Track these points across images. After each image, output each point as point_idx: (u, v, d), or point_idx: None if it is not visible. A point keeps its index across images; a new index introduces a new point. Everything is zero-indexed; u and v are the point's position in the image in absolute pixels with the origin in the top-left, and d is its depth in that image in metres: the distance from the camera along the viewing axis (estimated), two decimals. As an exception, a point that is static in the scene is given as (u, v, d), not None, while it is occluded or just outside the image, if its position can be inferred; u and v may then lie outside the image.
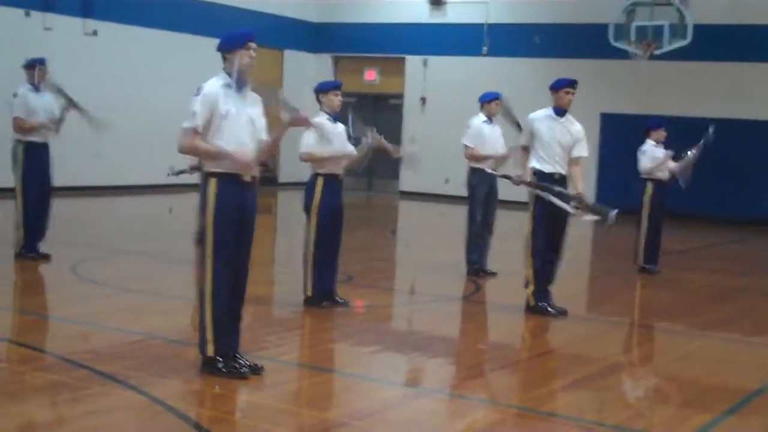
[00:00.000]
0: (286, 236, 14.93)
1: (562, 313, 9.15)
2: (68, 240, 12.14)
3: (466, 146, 11.13)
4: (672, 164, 12.17)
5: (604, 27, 19.69)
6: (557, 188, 8.94)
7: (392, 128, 23.45)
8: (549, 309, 9.14)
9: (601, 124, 20.94)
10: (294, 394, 6.46)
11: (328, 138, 8.57)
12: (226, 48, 6.43)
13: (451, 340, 8.47)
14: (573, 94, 9.16)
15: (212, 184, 6.35)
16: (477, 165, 11.17)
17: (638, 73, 20.50)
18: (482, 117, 11.25)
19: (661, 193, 12.26)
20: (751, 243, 18.01)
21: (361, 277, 10.87)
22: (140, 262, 11.43)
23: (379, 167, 23.07)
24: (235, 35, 6.45)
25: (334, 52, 25.09)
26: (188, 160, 11.86)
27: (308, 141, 8.59)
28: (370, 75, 24.59)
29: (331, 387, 6.74)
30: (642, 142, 12.28)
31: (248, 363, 6.46)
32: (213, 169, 6.36)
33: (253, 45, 6.41)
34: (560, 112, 9.16)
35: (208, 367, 6.40)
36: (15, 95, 10.61)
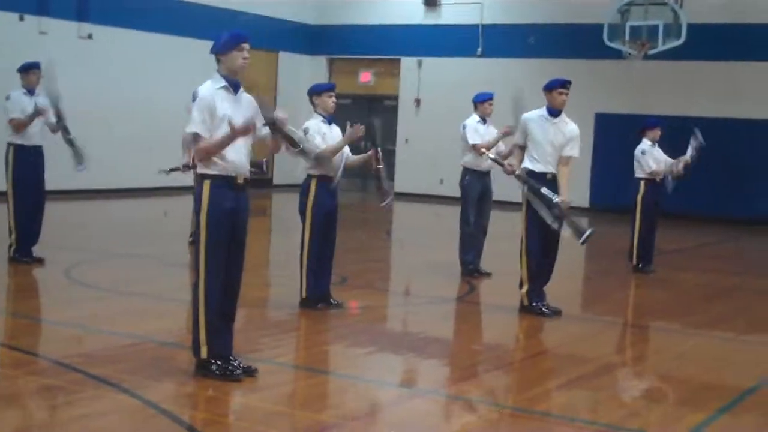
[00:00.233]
0: (280, 238, 14.91)
1: (557, 313, 9.16)
2: (62, 243, 12.13)
3: (474, 146, 11.05)
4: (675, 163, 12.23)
5: (598, 27, 19.71)
6: (545, 189, 8.92)
7: (387, 130, 23.51)
8: (543, 309, 9.14)
9: (596, 124, 20.97)
10: (288, 396, 6.45)
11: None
12: (219, 50, 6.43)
13: (446, 341, 8.46)
14: (566, 94, 9.16)
15: (206, 187, 6.34)
16: (471, 166, 11.17)
17: (632, 73, 20.54)
18: (476, 117, 11.24)
19: (655, 192, 12.28)
20: (745, 242, 18.03)
21: (356, 278, 10.87)
22: (134, 265, 11.42)
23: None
24: (228, 37, 6.44)
25: (328, 54, 25.09)
26: (183, 159, 11.92)
27: (317, 141, 8.59)
28: (365, 77, 24.60)
29: (325, 388, 6.73)
30: (637, 141, 12.28)
31: (242, 365, 6.45)
32: (206, 171, 6.35)
33: (246, 46, 6.40)
34: (554, 112, 9.16)
35: (201, 369, 6.39)
36: (7, 98, 10.58)
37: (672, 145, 12.51)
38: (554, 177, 9.10)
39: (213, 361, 6.38)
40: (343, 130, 8.72)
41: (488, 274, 11.26)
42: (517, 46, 22.39)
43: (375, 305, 9.97)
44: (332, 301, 8.97)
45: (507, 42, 22.58)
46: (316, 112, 8.80)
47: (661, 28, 19.19)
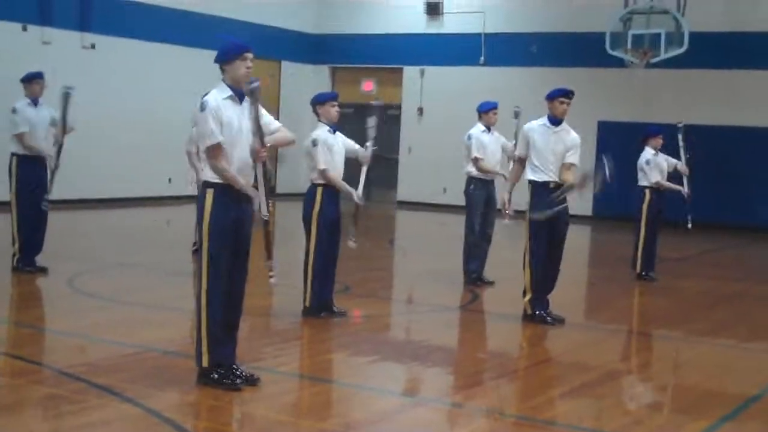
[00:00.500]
0: (283, 247, 14.90)
1: (560, 321, 9.15)
2: (65, 253, 12.13)
3: (476, 159, 11.07)
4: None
5: (600, 35, 19.71)
6: (547, 208, 8.96)
7: (390, 138, 23.53)
8: (547, 317, 9.14)
9: (598, 132, 20.95)
10: (292, 405, 6.45)
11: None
12: (223, 59, 6.44)
13: (449, 350, 8.46)
14: (568, 103, 9.17)
15: (209, 195, 6.34)
16: (479, 175, 11.17)
17: (635, 81, 20.54)
18: (481, 127, 11.24)
19: (659, 201, 12.28)
20: (746, 249, 18.01)
21: (359, 287, 10.87)
22: (136, 275, 11.43)
23: (377, 177, 23.11)
24: (232, 46, 6.45)
25: (331, 63, 25.12)
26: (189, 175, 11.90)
27: (325, 157, 8.62)
28: (368, 86, 24.61)
29: (328, 397, 6.73)
30: (640, 150, 12.29)
31: (244, 374, 6.45)
32: (210, 179, 6.36)
33: (249, 55, 6.41)
34: (555, 121, 9.16)
35: (203, 378, 6.39)
36: (14, 110, 10.58)
37: (674, 154, 12.54)
38: (557, 185, 9.10)
39: (215, 369, 6.38)
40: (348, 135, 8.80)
41: (491, 283, 11.25)
42: (520, 54, 22.41)
43: (378, 314, 9.97)
44: (335, 309, 8.98)
45: (509, 51, 22.60)
46: (319, 121, 8.82)
47: (663, 37, 19.19)
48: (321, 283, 8.82)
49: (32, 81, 10.72)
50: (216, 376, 6.36)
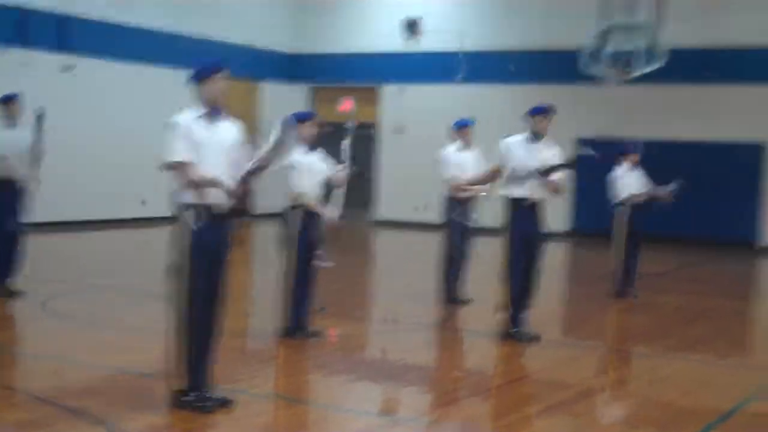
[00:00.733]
0: (259, 268, 14.88)
1: (536, 338, 9.15)
2: (38, 276, 12.02)
3: (450, 180, 11.04)
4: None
5: (578, 52, 19.80)
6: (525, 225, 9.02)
7: (366, 156, 23.51)
8: (523, 334, 9.13)
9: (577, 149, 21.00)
10: (267, 427, 6.42)
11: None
12: (196, 79, 6.43)
13: (426, 368, 8.42)
14: (548, 121, 9.20)
15: (189, 217, 6.31)
16: (455, 195, 11.13)
17: (613, 97, 20.62)
18: (454, 146, 11.21)
19: (637, 217, 12.28)
20: (722, 264, 18.07)
21: (335, 306, 10.80)
22: (111, 297, 11.35)
23: (353, 196, 23.07)
24: (204, 66, 6.44)
25: (309, 83, 25.13)
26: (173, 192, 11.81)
27: (300, 182, 8.61)
28: (346, 105, 24.58)
29: (304, 418, 6.71)
30: (616, 165, 12.31)
31: (217, 397, 6.40)
32: (189, 201, 6.33)
33: (222, 75, 6.40)
34: (535, 137, 9.19)
35: (177, 401, 6.34)
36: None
37: (651, 170, 12.56)
38: (533, 202, 9.11)
39: (190, 392, 6.33)
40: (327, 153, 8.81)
41: (468, 301, 11.22)
42: (498, 72, 22.47)
43: (354, 333, 9.94)
44: (311, 329, 8.93)
45: (487, 68, 22.65)
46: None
47: (640, 53, 19.29)
48: (297, 303, 8.79)
49: (7, 103, 10.66)
50: (189, 398, 6.32)
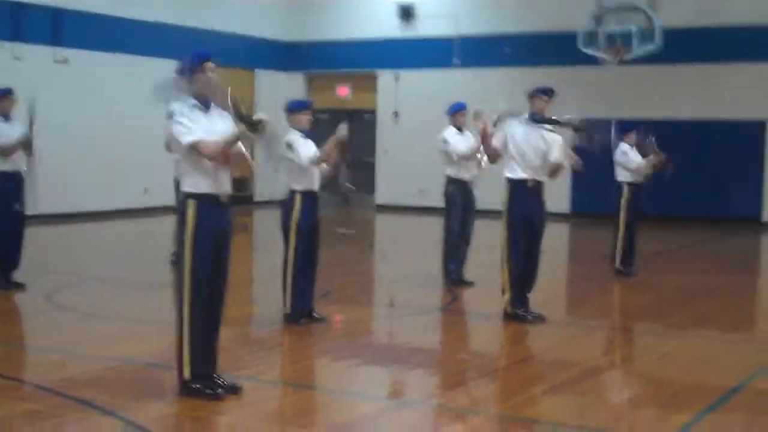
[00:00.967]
0: (262, 255, 14.89)
1: (540, 318, 9.17)
2: (43, 268, 12.05)
3: (461, 155, 11.05)
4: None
5: (573, 34, 19.79)
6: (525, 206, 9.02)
7: (366, 143, 23.53)
8: (526, 315, 9.15)
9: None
10: (274, 413, 6.43)
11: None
12: (184, 71, 6.42)
13: (431, 351, 8.45)
14: (547, 101, 9.21)
15: (191, 206, 6.32)
16: (456, 176, 11.17)
17: (609, 78, 20.62)
18: (453, 129, 11.24)
19: (638, 196, 12.32)
20: (724, 242, 18.08)
21: (339, 292, 10.86)
22: (115, 288, 11.35)
23: (354, 181, 23.07)
24: (191, 58, 6.41)
25: (305, 70, 25.11)
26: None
27: (303, 151, 8.61)
28: (343, 91, 24.61)
29: (311, 403, 6.73)
30: (615, 145, 12.33)
31: (226, 383, 6.43)
32: (191, 191, 6.33)
33: (210, 65, 6.38)
34: (536, 118, 9.20)
35: (185, 389, 6.36)
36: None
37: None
38: (535, 184, 9.13)
39: (197, 380, 6.35)
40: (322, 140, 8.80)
41: (471, 283, 11.25)
42: (494, 55, 22.44)
43: (359, 318, 9.95)
44: (315, 315, 8.96)
45: (483, 52, 22.63)
46: (292, 128, 8.81)
47: (635, 34, 19.30)
48: (300, 289, 8.81)
49: (2, 97, 10.65)
50: (197, 386, 6.33)
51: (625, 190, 12.25)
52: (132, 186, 20.05)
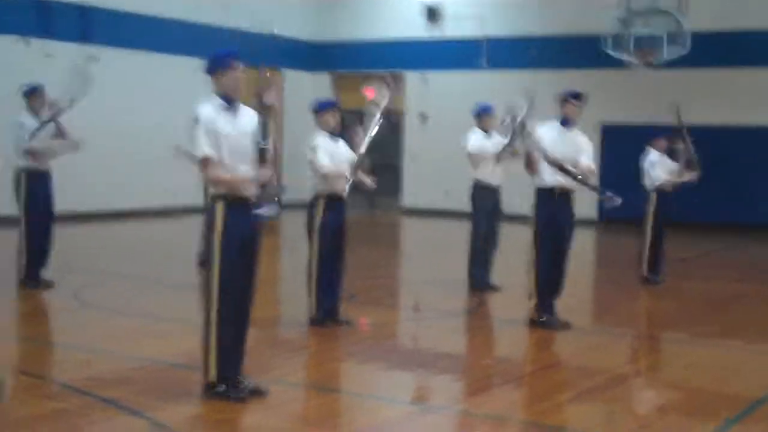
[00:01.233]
0: (289, 257, 14.92)
1: (566, 325, 9.13)
2: (70, 266, 12.12)
3: (470, 154, 11.05)
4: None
5: (599, 37, 19.70)
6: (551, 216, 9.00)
7: (393, 145, 23.53)
8: (553, 322, 9.12)
9: (602, 134, 20.92)
10: (299, 415, 6.45)
11: None
12: (211, 70, 6.44)
13: (456, 356, 8.44)
14: (577, 105, 9.14)
15: (219, 208, 6.33)
16: (483, 180, 11.12)
17: (637, 82, 20.52)
18: (479, 132, 11.19)
19: (666, 203, 12.26)
20: (749, 249, 17.95)
21: (365, 295, 10.86)
22: (142, 287, 11.42)
23: (381, 184, 23.04)
24: (219, 57, 6.44)
25: (331, 70, 25.12)
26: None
27: (325, 160, 8.62)
28: (370, 92, 24.58)
29: (336, 406, 6.74)
30: (645, 152, 12.27)
31: (251, 386, 6.44)
32: (219, 192, 6.35)
33: (237, 64, 6.40)
34: (566, 123, 9.15)
35: (210, 391, 6.38)
36: (22, 126, 10.61)
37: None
38: (563, 191, 9.09)
39: (222, 382, 6.36)
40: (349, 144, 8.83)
41: (497, 288, 11.20)
42: (522, 58, 22.38)
43: (384, 321, 9.96)
44: (341, 319, 8.96)
45: (511, 54, 22.58)
46: (319, 129, 8.83)
47: (664, 37, 19.19)
48: (326, 292, 8.81)
49: (33, 94, 10.74)
50: (223, 388, 6.35)
51: (653, 197, 12.19)
52: (160, 185, 20.10)
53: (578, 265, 10.93)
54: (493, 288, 11.21)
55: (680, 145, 12.29)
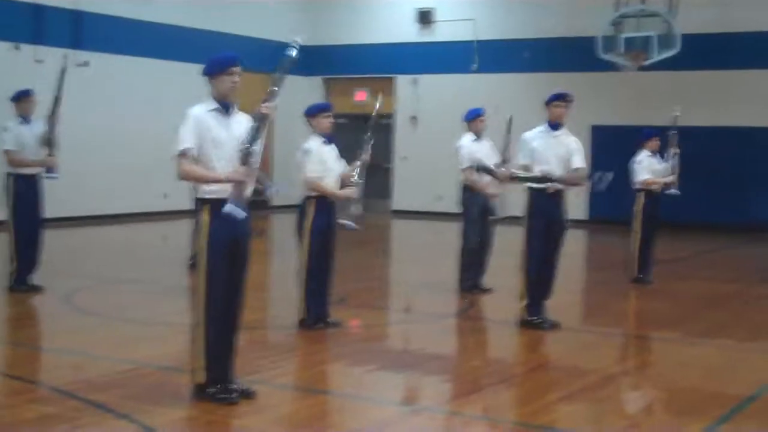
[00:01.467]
0: (278, 260, 14.91)
1: (556, 326, 9.15)
2: (60, 271, 12.10)
3: (465, 170, 11.02)
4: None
5: (592, 39, 19.74)
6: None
7: (384, 148, 23.55)
8: (542, 322, 9.13)
9: (593, 136, 20.95)
10: (289, 417, 6.43)
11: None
12: (209, 73, 6.43)
13: (446, 357, 8.44)
14: (565, 107, 9.17)
15: (205, 211, 6.32)
16: (470, 184, 11.11)
17: (628, 84, 20.57)
18: (470, 136, 11.19)
19: (654, 204, 12.27)
20: (740, 250, 17.99)
21: (355, 297, 10.85)
22: (132, 291, 11.40)
23: (371, 187, 23.05)
24: (218, 60, 6.43)
25: (324, 74, 25.13)
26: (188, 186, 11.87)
27: (314, 166, 8.63)
28: (361, 96, 24.62)
29: (326, 408, 6.73)
30: (634, 153, 12.29)
31: (240, 388, 6.43)
32: (206, 196, 6.34)
33: (236, 70, 6.39)
34: (554, 126, 9.17)
35: (199, 393, 6.37)
36: (5, 129, 10.60)
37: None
38: (555, 190, 9.10)
39: (212, 384, 6.36)
40: (341, 150, 8.83)
41: (489, 291, 11.18)
42: (512, 61, 22.43)
43: (374, 323, 9.96)
44: (330, 321, 8.95)
45: (502, 57, 22.62)
46: (313, 132, 8.83)
47: (654, 39, 19.24)
48: (314, 294, 8.81)
49: (22, 99, 10.73)
50: (212, 390, 6.34)
51: (641, 197, 12.20)
52: (151, 190, 20.10)
53: (568, 266, 10.93)
54: (484, 290, 11.17)
55: (671, 149, 12.32)
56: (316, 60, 24.79)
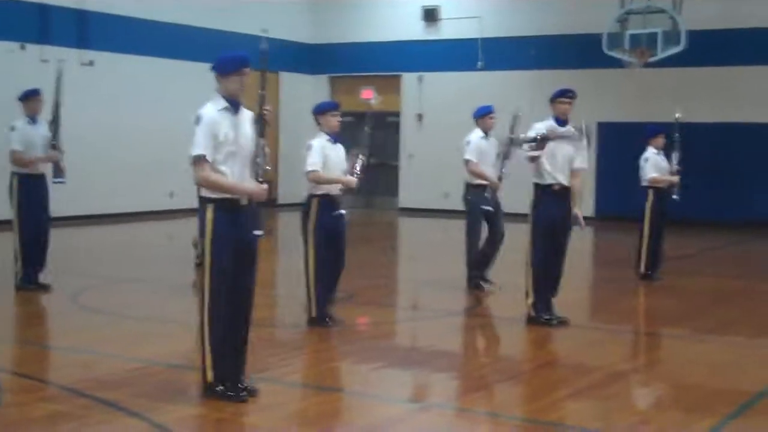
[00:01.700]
0: (286, 258, 14.92)
1: (564, 322, 9.15)
2: (68, 269, 12.14)
3: (467, 161, 11.03)
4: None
5: (598, 36, 19.72)
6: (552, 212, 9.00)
7: (390, 146, 23.58)
8: (550, 319, 9.13)
9: (599, 133, 20.90)
10: (298, 415, 6.44)
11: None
12: (221, 72, 6.44)
13: (454, 354, 8.45)
14: (569, 103, 9.17)
15: (209, 211, 6.33)
16: (476, 181, 11.10)
17: (634, 81, 20.55)
18: (479, 133, 11.18)
19: (663, 200, 12.25)
20: (747, 246, 17.96)
21: (362, 294, 10.85)
22: (140, 289, 11.41)
23: (379, 184, 23.11)
24: (231, 60, 6.43)
25: (329, 73, 25.14)
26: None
27: (314, 159, 8.62)
28: (367, 94, 24.59)
29: (334, 406, 6.73)
30: (641, 150, 12.26)
31: (248, 387, 6.43)
32: (210, 195, 6.34)
33: (246, 70, 6.41)
34: (560, 122, 9.17)
35: (209, 391, 6.38)
36: (12, 128, 10.62)
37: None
38: (561, 188, 9.09)
39: (220, 383, 6.36)
40: (347, 149, 8.83)
41: (496, 287, 11.15)
42: (518, 58, 22.41)
43: (382, 321, 9.97)
44: (335, 318, 8.93)
45: (507, 55, 22.60)
46: (321, 131, 8.83)
47: (660, 36, 19.22)
48: (320, 292, 8.80)
49: (29, 99, 10.74)
50: (221, 388, 6.35)
51: (650, 194, 12.18)
52: (157, 188, 20.13)
53: (575, 262, 10.94)
54: (492, 286, 11.14)
55: (676, 153, 12.29)
56: (322, 58, 24.86)
